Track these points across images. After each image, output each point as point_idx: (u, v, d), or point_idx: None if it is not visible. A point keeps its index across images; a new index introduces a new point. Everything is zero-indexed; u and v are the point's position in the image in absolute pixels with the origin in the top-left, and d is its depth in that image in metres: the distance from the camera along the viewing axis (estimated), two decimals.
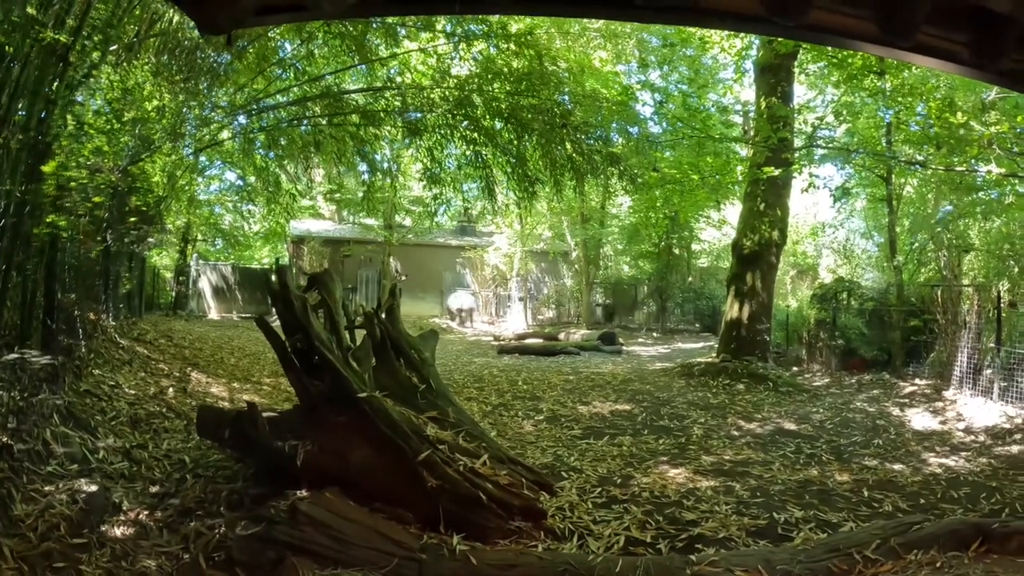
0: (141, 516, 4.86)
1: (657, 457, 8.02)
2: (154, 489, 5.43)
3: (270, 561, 4.10)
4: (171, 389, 8.78)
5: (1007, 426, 9.68)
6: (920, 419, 10.75)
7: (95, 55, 8.13)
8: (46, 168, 6.87)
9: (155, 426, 7.13)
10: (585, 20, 19.85)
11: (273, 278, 5.78)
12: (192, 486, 5.49)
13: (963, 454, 8.62)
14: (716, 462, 7.88)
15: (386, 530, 4.53)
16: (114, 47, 9.00)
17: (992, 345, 11.34)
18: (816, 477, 7.33)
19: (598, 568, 4.33)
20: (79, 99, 8.42)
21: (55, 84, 7.07)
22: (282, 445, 5.11)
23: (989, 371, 11.18)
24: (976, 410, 10.63)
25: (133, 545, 4.42)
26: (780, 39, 13.30)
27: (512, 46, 13.80)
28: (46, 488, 4.90)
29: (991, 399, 10.76)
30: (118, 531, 4.60)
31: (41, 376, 6.14)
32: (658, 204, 24.70)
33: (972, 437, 9.55)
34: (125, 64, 9.58)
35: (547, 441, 8.68)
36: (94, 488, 5.08)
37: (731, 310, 16.77)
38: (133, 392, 7.94)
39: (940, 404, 11.46)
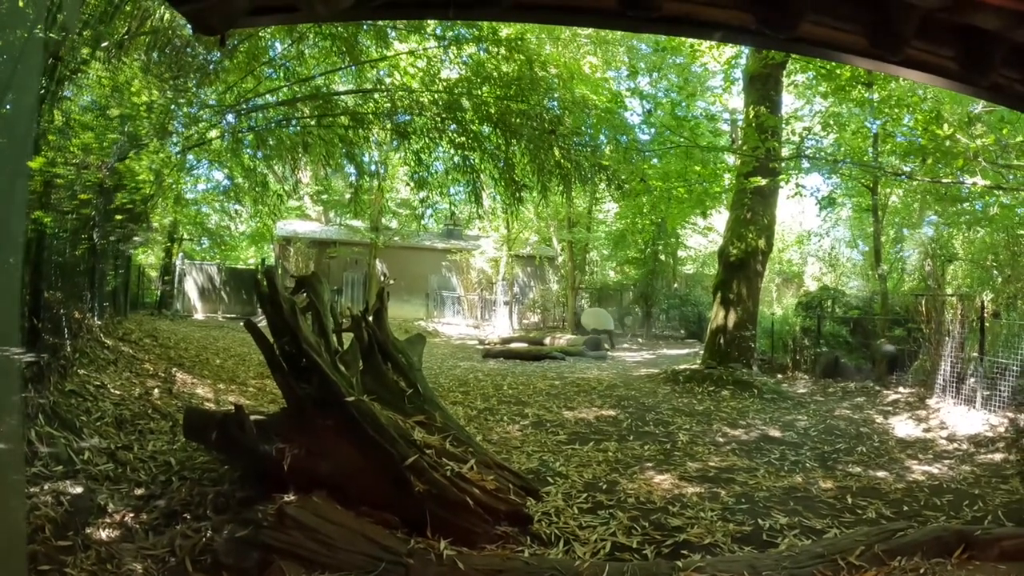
0: (126, 518, 4.83)
1: (643, 463, 8.02)
2: (139, 491, 5.39)
3: (256, 565, 4.09)
4: (156, 390, 8.73)
5: (990, 434, 9.74)
6: (903, 427, 10.81)
7: (85, 51, 8.10)
8: (33, 164, 6.83)
9: (140, 427, 7.08)
10: (577, 27, 19.87)
11: (261, 278, 5.75)
12: (178, 488, 5.44)
13: (946, 462, 8.67)
14: (701, 468, 7.90)
15: (373, 534, 4.53)
16: (104, 44, 8.97)
17: (975, 354, 11.41)
18: (801, 484, 7.35)
19: (585, 574, 4.34)
20: (68, 94, 8.39)
21: (44, 79, 7.04)
22: (269, 448, 5.08)
23: (972, 380, 11.24)
24: (959, 418, 10.69)
25: (118, 548, 4.38)
26: (771, 50, 13.38)
27: (502, 51, 13.82)
28: (31, 489, 4.86)
29: (974, 407, 10.82)
30: (103, 533, 4.57)
31: (26, 375, 6.10)
32: (645, 211, 24.79)
33: (955, 445, 9.60)
34: (115, 61, 9.54)
35: (533, 446, 8.66)
36: (79, 490, 5.05)
37: (717, 317, 16.84)
38: (118, 392, 7.89)
39: (923, 412, 11.52)
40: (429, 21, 13.34)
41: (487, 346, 24.01)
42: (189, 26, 5.25)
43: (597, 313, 28.65)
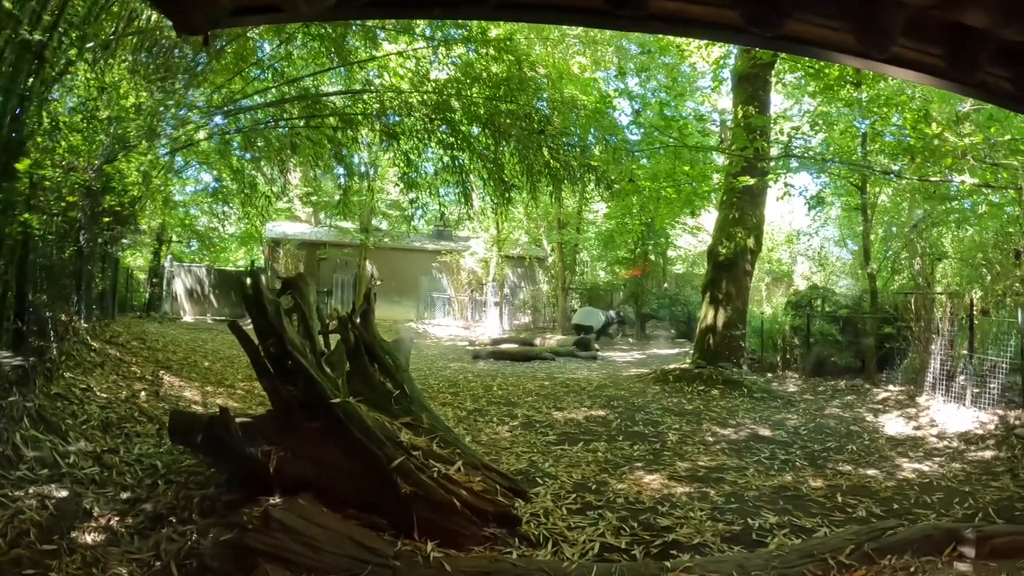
0: (112, 522, 4.80)
1: (632, 463, 8.01)
2: (125, 495, 5.35)
3: (243, 568, 4.06)
4: (143, 393, 8.68)
5: (980, 432, 9.78)
6: (894, 425, 10.85)
7: (71, 52, 8.05)
8: (19, 166, 6.79)
9: (127, 430, 7.04)
10: (565, 26, 19.88)
11: (247, 281, 5.71)
12: (164, 492, 5.42)
13: (936, 459, 8.70)
14: (691, 468, 7.89)
15: (360, 537, 4.50)
16: (91, 44, 8.92)
17: (965, 352, 11.45)
18: (790, 483, 7.35)
19: (573, 575, 4.33)
20: (54, 96, 8.33)
21: (30, 81, 7.00)
22: (255, 451, 5.06)
23: (962, 377, 11.28)
24: (949, 416, 10.73)
25: (104, 552, 4.36)
26: (758, 49, 13.39)
27: (491, 51, 13.80)
28: (16, 493, 4.83)
29: (964, 405, 10.86)
30: (89, 537, 4.54)
31: (11, 378, 6.06)
32: (634, 211, 24.82)
33: (945, 442, 9.63)
34: (101, 62, 9.48)
35: (522, 447, 8.64)
36: (64, 493, 5.02)
37: (706, 316, 16.86)
38: (105, 395, 7.84)
39: (913, 410, 11.56)
40: (418, 21, 13.31)
41: (477, 347, 23.96)
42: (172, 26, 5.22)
43: (587, 312, 28.74)
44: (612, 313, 29.82)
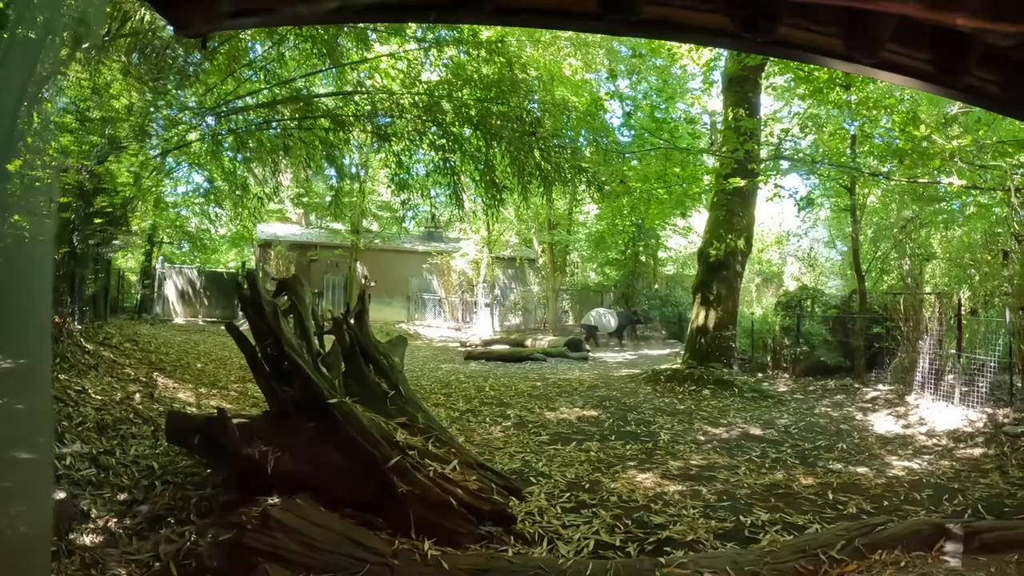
0: (110, 523, 4.81)
1: (625, 462, 8.06)
2: (122, 496, 5.36)
3: (242, 568, 4.08)
4: (138, 394, 8.68)
5: (968, 430, 9.84)
6: (883, 423, 10.91)
7: (64, 51, 8.04)
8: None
9: (122, 432, 7.03)
10: (558, 30, 19.91)
11: (243, 282, 5.73)
12: (161, 493, 5.43)
13: (926, 457, 8.77)
14: (683, 467, 7.95)
15: (357, 536, 4.53)
16: (85, 44, 8.91)
17: (953, 351, 11.53)
18: (782, 481, 7.41)
19: (568, 572, 4.36)
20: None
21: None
22: (252, 451, 5.07)
23: (950, 376, 11.36)
24: (938, 414, 10.79)
25: (102, 553, 4.37)
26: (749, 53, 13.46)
27: (482, 53, 13.81)
28: None
29: (952, 403, 10.93)
30: (87, 539, 4.55)
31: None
32: (625, 212, 24.87)
33: (934, 440, 9.70)
34: (94, 62, 9.48)
35: (515, 447, 8.69)
36: (62, 495, 5.02)
37: (697, 317, 16.91)
38: (99, 397, 7.85)
39: (903, 409, 11.62)
40: (410, 24, 13.32)
41: (469, 348, 24.03)
42: (170, 28, 5.24)
43: (599, 312, 28.57)
44: (607, 313, 29.56)
